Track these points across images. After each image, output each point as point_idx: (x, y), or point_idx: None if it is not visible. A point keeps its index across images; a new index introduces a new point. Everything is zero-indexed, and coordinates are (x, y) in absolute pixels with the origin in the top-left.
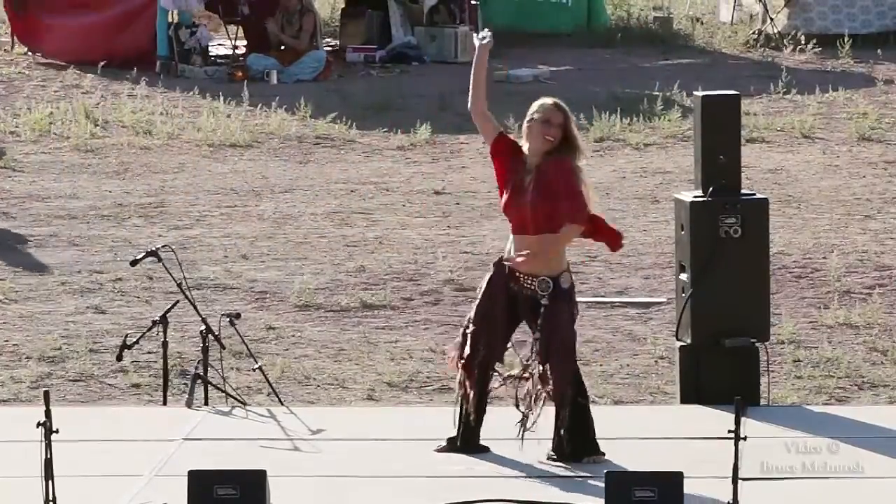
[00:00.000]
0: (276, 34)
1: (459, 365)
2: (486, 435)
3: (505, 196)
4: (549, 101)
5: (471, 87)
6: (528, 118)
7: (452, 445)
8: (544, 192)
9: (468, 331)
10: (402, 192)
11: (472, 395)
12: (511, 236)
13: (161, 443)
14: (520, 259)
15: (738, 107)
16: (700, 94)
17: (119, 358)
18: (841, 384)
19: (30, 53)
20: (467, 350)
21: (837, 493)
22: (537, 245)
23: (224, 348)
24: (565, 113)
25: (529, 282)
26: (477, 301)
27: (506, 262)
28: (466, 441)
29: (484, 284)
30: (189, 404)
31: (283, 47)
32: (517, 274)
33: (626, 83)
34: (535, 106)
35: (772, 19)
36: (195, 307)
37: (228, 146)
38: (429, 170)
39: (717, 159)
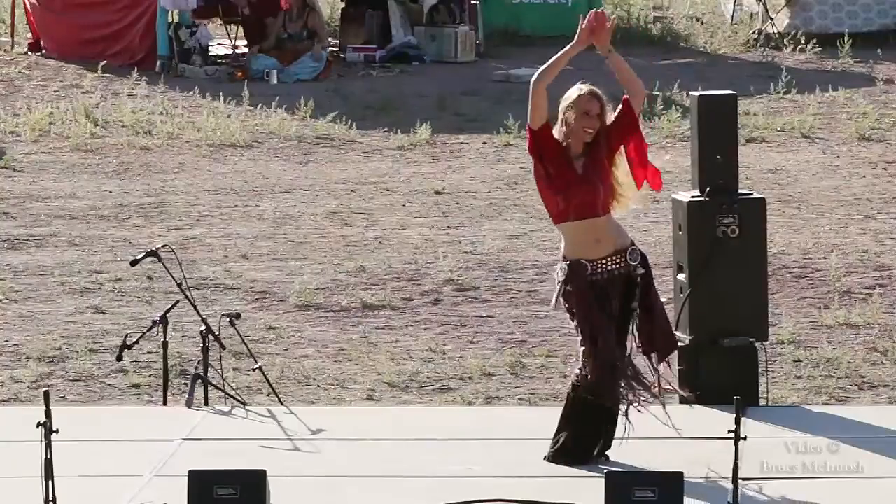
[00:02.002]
0: (279, 33)
1: (596, 376)
2: (486, 435)
3: (561, 186)
4: (584, 89)
5: (554, 61)
6: (566, 107)
7: (569, 457)
8: (604, 171)
9: (588, 343)
10: (402, 192)
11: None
12: (566, 226)
13: (161, 443)
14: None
15: (735, 106)
16: (697, 93)
17: (119, 358)
18: (841, 384)
19: (29, 53)
20: (595, 358)
21: (837, 493)
22: (607, 223)
23: (224, 348)
24: (601, 100)
25: (618, 260)
26: (572, 308)
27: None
28: (586, 452)
29: (567, 289)
30: (189, 404)
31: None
32: (599, 261)
33: None
34: (572, 95)
35: (772, 19)
36: (195, 307)
37: (228, 146)
38: (429, 170)
39: (715, 159)
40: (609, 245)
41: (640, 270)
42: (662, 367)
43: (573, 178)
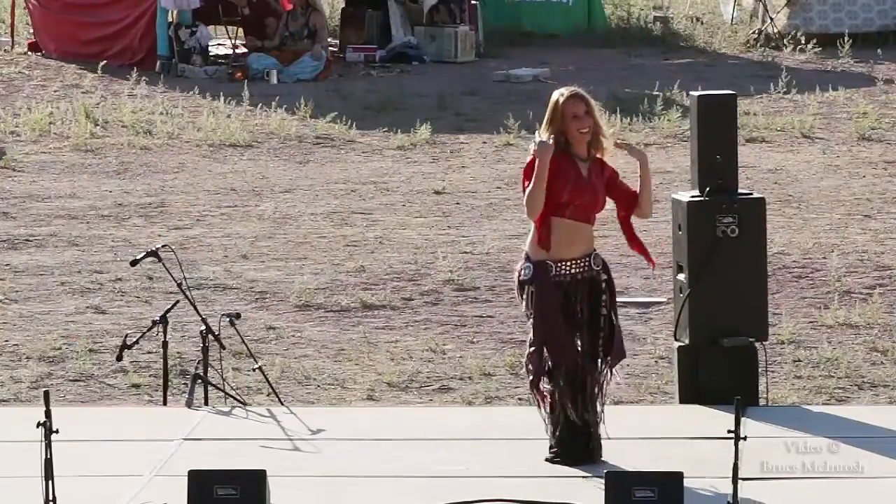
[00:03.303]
0: (281, 31)
1: (538, 382)
2: (485, 435)
3: (568, 188)
4: (566, 93)
5: (537, 185)
6: (555, 117)
7: (563, 457)
8: (602, 185)
9: (536, 345)
10: (402, 192)
11: (569, 406)
12: (556, 221)
13: (161, 443)
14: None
15: (735, 106)
16: (696, 93)
17: (119, 358)
18: (841, 384)
19: (29, 53)
20: (545, 363)
21: (837, 493)
22: (588, 231)
23: (224, 348)
24: (585, 98)
25: (583, 263)
26: (530, 309)
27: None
28: (574, 452)
29: (531, 290)
30: (189, 404)
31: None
32: (565, 263)
33: (626, 83)
34: (556, 101)
35: (772, 19)
36: (195, 307)
37: (228, 146)
38: (429, 170)
39: (714, 159)
40: (579, 249)
41: (604, 276)
42: (615, 372)
43: (578, 177)
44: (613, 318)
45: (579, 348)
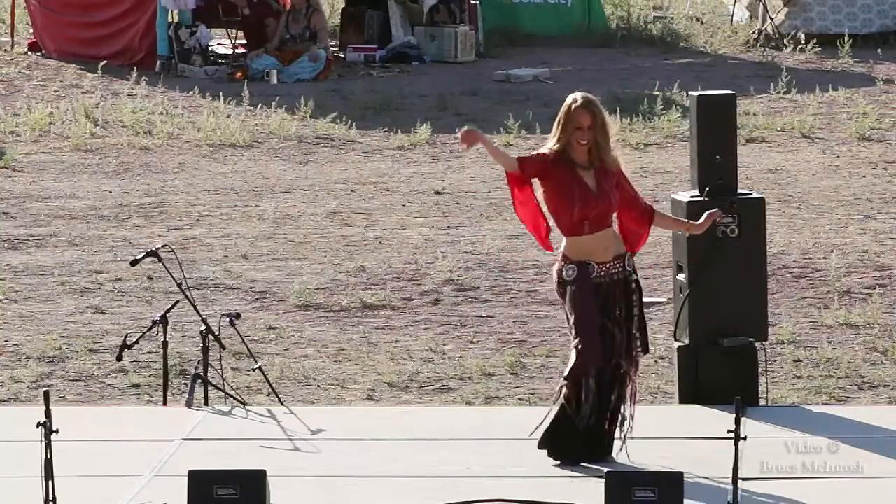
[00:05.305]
0: (282, 33)
1: (569, 378)
2: (486, 435)
3: (576, 207)
4: (579, 100)
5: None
6: (562, 116)
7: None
8: (611, 182)
9: (578, 344)
10: (402, 192)
11: (590, 402)
12: (578, 238)
13: (161, 443)
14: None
15: (734, 106)
16: (696, 93)
17: (119, 358)
18: (841, 384)
19: (29, 52)
20: (576, 359)
21: (837, 493)
22: (613, 232)
23: (224, 348)
24: (594, 112)
25: (618, 265)
26: (569, 307)
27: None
28: (573, 450)
29: (572, 290)
30: (189, 404)
31: (283, 46)
32: (601, 265)
33: (626, 83)
34: (571, 106)
35: (772, 19)
36: (195, 307)
37: (228, 146)
38: (429, 170)
39: (714, 159)
40: (612, 251)
41: (634, 277)
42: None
43: (586, 190)
44: (643, 315)
45: (617, 346)
